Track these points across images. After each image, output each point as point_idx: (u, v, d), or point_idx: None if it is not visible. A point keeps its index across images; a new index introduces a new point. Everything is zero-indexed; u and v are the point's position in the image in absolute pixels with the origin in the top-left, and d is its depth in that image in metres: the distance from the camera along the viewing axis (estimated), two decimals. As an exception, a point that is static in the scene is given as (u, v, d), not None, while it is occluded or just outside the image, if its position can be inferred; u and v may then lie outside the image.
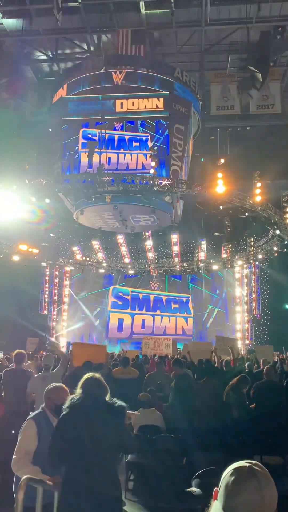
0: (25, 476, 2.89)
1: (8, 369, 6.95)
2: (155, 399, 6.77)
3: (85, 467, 2.76)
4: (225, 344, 11.41)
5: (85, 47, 20.35)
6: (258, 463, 1.34)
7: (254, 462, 1.34)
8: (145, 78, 18.32)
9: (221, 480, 1.34)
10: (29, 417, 3.54)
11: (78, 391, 3.07)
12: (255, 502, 1.27)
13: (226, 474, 1.33)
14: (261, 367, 9.08)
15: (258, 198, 16.00)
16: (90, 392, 2.99)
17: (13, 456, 3.30)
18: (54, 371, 6.44)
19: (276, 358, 13.42)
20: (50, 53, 21.39)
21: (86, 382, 3.10)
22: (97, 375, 3.17)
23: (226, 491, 1.29)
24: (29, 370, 6.84)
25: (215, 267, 22.91)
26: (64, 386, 3.68)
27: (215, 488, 1.36)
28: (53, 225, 21.04)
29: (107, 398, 3.05)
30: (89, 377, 3.15)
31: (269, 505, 1.28)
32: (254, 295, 22.40)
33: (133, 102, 17.79)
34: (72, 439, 2.84)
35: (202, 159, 17.66)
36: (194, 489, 2.68)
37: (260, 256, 20.27)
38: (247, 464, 1.32)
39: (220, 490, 1.33)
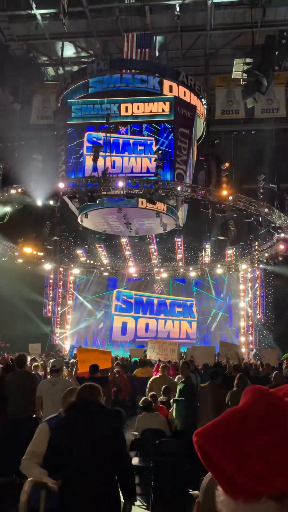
0: (28, 479, 2.89)
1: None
2: (156, 405, 6.72)
3: (80, 473, 2.75)
4: (229, 350, 11.41)
5: (91, 51, 20.48)
6: None
7: None
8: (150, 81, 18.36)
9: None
10: (44, 419, 3.58)
11: (72, 398, 3.11)
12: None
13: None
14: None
15: (262, 202, 15.99)
16: (82, 397, 3.00)
17: (23, 457, 3.32)
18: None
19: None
20: (55, 57, 21.56)
21: (80, 390, 3.13)
22: (92, 383, 3.18)
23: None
24: (31, 372, 6.64)
25: (219, 270, 22.86)
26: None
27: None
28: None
29: (102, 402, 3.05)
30: (83, 384, 3.19)
31: None
32: (258, 299, 22.30)
33: (138, 106, 17.80)
34: (65, 446, 2.85)
35: (203, 160, 17.56)
36: (196, 492, 2.67)
37: (264, 260, 20.21)
38: None
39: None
